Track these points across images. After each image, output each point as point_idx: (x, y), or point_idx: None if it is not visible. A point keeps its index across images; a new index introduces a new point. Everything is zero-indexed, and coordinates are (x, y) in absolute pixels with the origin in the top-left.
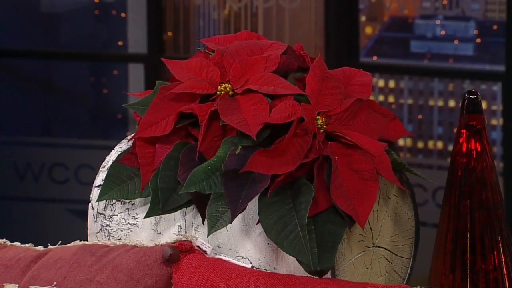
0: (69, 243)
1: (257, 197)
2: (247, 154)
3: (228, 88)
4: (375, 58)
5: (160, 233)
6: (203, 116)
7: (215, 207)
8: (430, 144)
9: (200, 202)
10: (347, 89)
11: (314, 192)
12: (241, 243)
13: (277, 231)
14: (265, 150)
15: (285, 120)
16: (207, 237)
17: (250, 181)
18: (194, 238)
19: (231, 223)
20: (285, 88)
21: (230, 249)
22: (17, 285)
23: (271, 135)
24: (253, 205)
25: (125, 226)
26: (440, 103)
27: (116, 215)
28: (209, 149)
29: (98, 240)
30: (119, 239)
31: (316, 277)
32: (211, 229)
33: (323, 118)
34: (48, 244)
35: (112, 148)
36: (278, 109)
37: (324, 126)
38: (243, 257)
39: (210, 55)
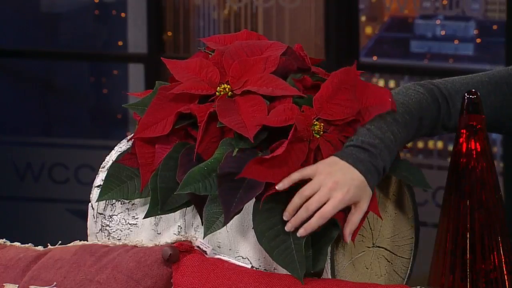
0: (69, 243)
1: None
2: (244, 156)
3: (227, 89)
4: (375, 58)
5: (160, 233)
6: (201, 117)
7: (211, 209)
8: (430, 144)
9: (198, 203)
10: (364, 105)
11: None
12: (241, 243)
13: (269, 239)
14: (262, 158)
15: (282, 123)
16: (203, 238)
17: (245, 185)
18: (194, 238)
19: (224, 225)
20: (283, 90)
21: (230, 249)
22: (17, 285)
23: (267, 137)
24: (252, 205)
25: (125, 226)
26: None
27: (116, 215)
28: (207, 150)
29: (98, 240)
30: (119, 239)
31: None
32: (207, 231)
33: (322, 124)
34: (48, 244)
35: (112, 148)
36: (276, 112)
37: (321, 133)
38: (243, 257)
39: (210, 55)
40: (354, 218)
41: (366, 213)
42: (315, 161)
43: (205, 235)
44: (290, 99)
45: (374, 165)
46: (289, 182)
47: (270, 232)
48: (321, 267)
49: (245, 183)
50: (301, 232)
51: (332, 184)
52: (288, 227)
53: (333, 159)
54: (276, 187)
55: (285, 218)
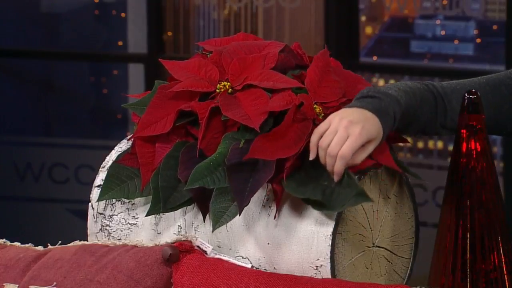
0: (69, 243)
1: (257, 195)
2: (249, 147)
3: (227, 86)
4: (375, 58)
5: (160, 233)
6: (203, 113)
7: (218, 203)
8: (430, 144)
9: (201, 199)
10: (348, 88)
11: None
12: (241, 243)
13: (320, 193)
14: (265, 134)
15: (284, 107)
16: (212, 232)
17: (255, 172)
18: (194, 238)
19: (239, 215)
20: (284, 83)
21: (230, 249)
22: (17, 285)
23: (273, 128)
24: (253, 205)
25: (125, 226)
26: None
27: (116, 215)
28: (210, 145)
29: (98, 240)
30: (119, 239)
31: (365, 202)
32: (216, 225)
33: (321, 108)
34: (48, 244)
35: (112, 148)
36: (277, 99)
37: (322, 114)
38: (243, 257)
39: (207, 56)
40: (358, 156)
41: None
42: None
43: (214, 229)
44: (290, 91)
45: (383, 107)
46: (313, 147)
47: (316, 190)
48: (356, 184)
49: (255, 170)
50: (336, 179)
51: (347, 123)
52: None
53: (342, 109)
54: (310, 159)
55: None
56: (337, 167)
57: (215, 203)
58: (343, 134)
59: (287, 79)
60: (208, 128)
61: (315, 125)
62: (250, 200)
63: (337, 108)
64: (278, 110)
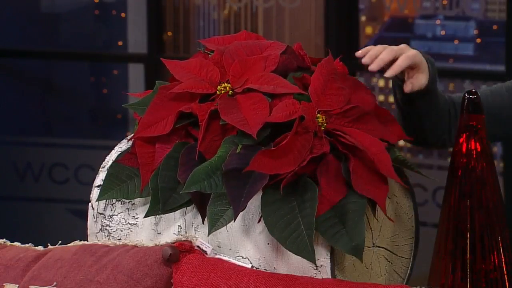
0: (69, 243)
1: (257, 196)
2: (248, 153)
3: (228, 88)
4: None
5: (160, 233)
6: (203, 116)
7: (215, 207)
8: None
9: (200, 202)
10: (353, 95)
11: (319, 191)
12: (241, 243)
13: (280, 229)
14: (268, 150)
15: (286, 118)
16: (208, 236)
17: (251, 179)
18: (194, 238)
19: (234, 221)
20: (285, 87)
21: (230, 249)
22: (17, 285)
23: (270, 134)
24: (252, 205)
25: (125, 226)
26: None
27: (116, 215)
28: (209, 148)
29: (98, 240)
30: (119, 239)
31: (354, 256)
32: (212, 228)
33: (323, 116)
34: (48, 244)
35: (112, 148)
36: (279, 108)
37: (325, 124)
38: (243, 257)
39: (209, 55)
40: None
41: None
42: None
43: (209, 233)
44: (291, 96)
45: (434, 71)
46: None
47: (280, 222)
48: (362, 238)
49: (251, 177)
50: (390, 73)
51: (405, 46)
52: (372, 67)
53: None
54: (370, 68)
55: (363, 60)
56: (400, 64)
57: (212, 206)
58: (397, 48)
59: (288, 84)
60: (207, 131)
61: (316, 137)
62: (246, 206)
63: (340, 115)
64: (280, 121)
